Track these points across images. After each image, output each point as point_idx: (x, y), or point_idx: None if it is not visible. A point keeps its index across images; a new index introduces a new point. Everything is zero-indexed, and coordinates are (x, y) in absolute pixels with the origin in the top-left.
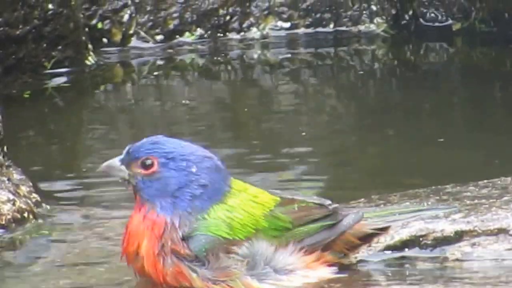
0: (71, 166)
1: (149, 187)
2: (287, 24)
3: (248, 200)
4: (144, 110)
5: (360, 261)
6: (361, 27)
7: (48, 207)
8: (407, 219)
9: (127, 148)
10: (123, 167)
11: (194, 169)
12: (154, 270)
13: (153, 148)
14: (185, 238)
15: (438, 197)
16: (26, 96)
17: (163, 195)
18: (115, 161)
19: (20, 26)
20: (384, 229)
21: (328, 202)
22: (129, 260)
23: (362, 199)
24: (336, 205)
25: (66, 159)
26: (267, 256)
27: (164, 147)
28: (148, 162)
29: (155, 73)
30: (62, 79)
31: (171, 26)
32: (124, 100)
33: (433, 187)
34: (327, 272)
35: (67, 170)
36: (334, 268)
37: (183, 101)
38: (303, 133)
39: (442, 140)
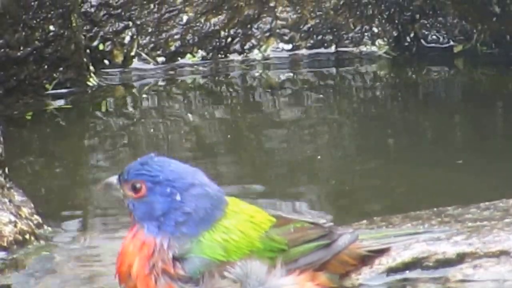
0: (73, 188)
1: (138, 209)
2: (289, 46)
3: (244, 221)
4: (146, 130)
5: (362, 284)
6: (363, 48)
7: (50, 229)
8: (402, 241)
9: (125, 168)
10: (118, 187)
11: (178, 197)
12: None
13: (142, 170)
14: (177, 259)
15: (439, 219)
16: (28, 117)
17: (150, 218)
18: (113, 180)
19: (21, 48)
20: (379, 251)
21: (323, 221)
22: (122, 280)
23: (364, 221)
24: (331, 224)
25: (67, 181)
26: (261, 277)
27: (151, 170)
28: (138, 185)
29: (155, 93)
30: (63, 101)
31: (172, 48)
32: (125, 121)
33: (435, 209)
34: None
35: (69, 192)
36: None
37: (188, 114)
38: (319, 157)
39: (444, 162)
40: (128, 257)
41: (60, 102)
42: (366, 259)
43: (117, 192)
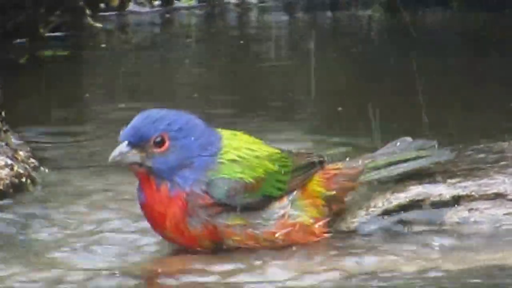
0: (68, 131)
1: (167, 162)
2: None
3: (248, 145)
4: (142, 72)
5: (358, 225)
6: None
7: (46, 170)
8: (406, 168)
9: (127, 132)
10: (134, 151)
11: (198, 133)
12: (183, 237)
13: (159, 124)
14: (206, 189)
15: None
16: (23, 61)
17: (182, 166)
18: (124, 147)
19: None
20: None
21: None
22: (158, 231)
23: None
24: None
25: (63, 125)
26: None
27: (166, 120)
28: (159, 139)
29: (151, 36)
30: (60, 44)
31: None
32: (121, 63)
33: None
34: (325, 234)
35: (64, 135)
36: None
37: (184, 59)
38: (339, 108)
39: (437, 105)
40: (161, 215)
41: (57, 46)
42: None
43: (135, 157)
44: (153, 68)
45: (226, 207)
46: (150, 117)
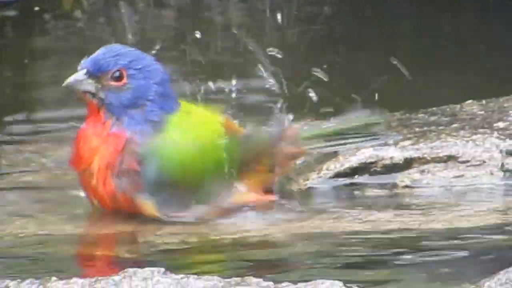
0: (22, 97)
1: (119, 99)
2: None
3: (196, 122)
4: (95, 35)
5: (310, 188)
6: None
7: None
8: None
9: (87, 62)
10: (90, 81)
11: (160, 79)
12: (103, 186)
13: (121, 59)
14: (141, 159)
15: (387, 124)
16: None
17: (133, 106)
18: (81, 75)
19: None
20: None
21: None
22: (78, 166)
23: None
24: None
25: (17, 86)
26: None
27: (130, 57)
28: (117, 74)
29: None
30: (10, 8)
31: None
32: (74, 24)
33: (383, 115)
34: (271, 198)
35: (20, 96)
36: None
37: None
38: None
39: (394, 68)
40: (91, 146)
41: (8, 11)
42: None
43: (89, 86)
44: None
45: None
46: (113, 51)
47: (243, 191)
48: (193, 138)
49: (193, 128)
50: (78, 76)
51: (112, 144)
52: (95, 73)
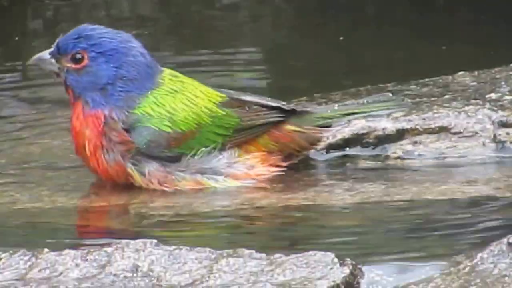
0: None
1: (79, 81)
2: None
3: (188, 95)
4: (88, 9)
5: (303, 160)
6: None
7: None
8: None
9: (57, 41)
10: (53, 61)
11: (123, 62)
12: (97, 165)
13: (83, 41)
14: (127, 130)
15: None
16: None
17: (93, 89)
18: (45, 54)
19: None
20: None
21: (283, 103)
22: (81, 157)
23: (304, 98)
24: (293, 106)
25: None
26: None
27: (93, 40)
28: (78, 56)
29: None
30: None
31: None
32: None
33: (374, 86)
34: (269, 171)
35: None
36: (277, 169)
37: None
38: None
39: (385, 40)
40: (80, 135)
41: None
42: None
43: (52, 66)
44: None
45: (143, 154)
46: (78, 33)
47: (245, 164)
48: (181, 108)
49: (179, 103)
50: (42, 55)
51: (92, 125)
52: (57, 54)
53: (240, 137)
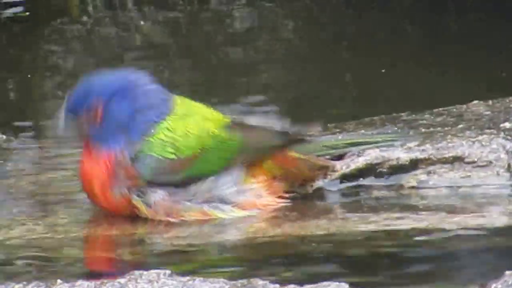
0: (28, 97)
1: (102, 130)
2: None
3: (194, 119)
4: (101, 37)
5: (316, 190)
6: None
7: (4, 137)
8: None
9: (65, 106)
10: (73, 124)
11: (135, 95)
12: (103, 201)
13: (89, 95)
14: (132, 161)
15: (393, 126)
16: None
17: (117, 131)
18: (62, 123)
19: None
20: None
21: (287, 127)
22: (91, 199)
23: (319, 128)
24: (300, 131)
25: (23, 90)
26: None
27: (99, 88)
28: (92, 109)
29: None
30: (19, 9)
31: None
32: (80, 28)
33: (388, 115)
34: (276, 202)
35: (24, 101)
36: (286, 199)
37: (141, 22)
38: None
39: (398, 68)
40: (88, 176)
41: (16, 10)
42: (322, 169)
43: (72, 131)
44: None
45: (149, 184)
46: (83, 88)
47: (252, 193)
48: (185, 133)
49: (185, 128)
50: (61, 125)
51: (103, 164)
52: (72, 117)
53: (245, 160)
